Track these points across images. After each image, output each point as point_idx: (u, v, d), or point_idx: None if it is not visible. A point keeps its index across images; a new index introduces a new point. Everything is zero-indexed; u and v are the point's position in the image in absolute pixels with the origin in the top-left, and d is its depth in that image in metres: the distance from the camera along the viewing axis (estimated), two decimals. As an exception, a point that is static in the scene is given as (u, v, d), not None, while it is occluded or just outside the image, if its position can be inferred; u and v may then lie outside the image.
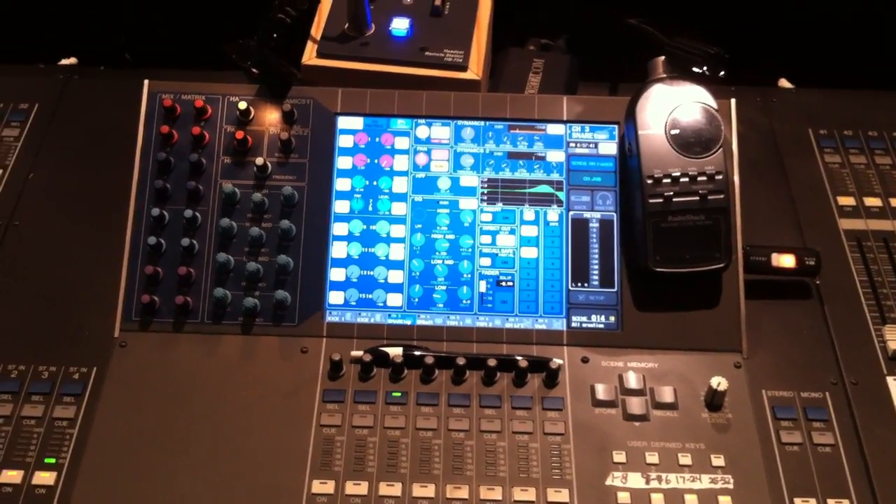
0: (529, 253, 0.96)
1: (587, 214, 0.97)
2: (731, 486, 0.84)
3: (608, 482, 0.84)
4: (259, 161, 0.97)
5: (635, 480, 0.84)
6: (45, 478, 0.84)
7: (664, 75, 0.95)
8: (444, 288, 0.95)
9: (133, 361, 0.92)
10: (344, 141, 1.00)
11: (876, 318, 0.95)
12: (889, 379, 0.91)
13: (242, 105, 0.98)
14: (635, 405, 0.89)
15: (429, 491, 0.83)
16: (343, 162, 0.99)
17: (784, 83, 1.18)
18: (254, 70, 1.00)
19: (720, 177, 0.91)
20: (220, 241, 0.96)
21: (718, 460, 0.85)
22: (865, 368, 0.92)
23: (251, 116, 0.99)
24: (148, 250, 0.95)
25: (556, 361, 0.90)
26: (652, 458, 0.86)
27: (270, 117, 0.99)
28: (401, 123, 1.00)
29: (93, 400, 0.89)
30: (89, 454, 0.85)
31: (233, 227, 0.96)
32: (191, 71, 1.11)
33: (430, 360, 0.90)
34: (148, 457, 0.86)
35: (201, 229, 0.96)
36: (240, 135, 0.97)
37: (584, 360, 0.92)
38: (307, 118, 1.00)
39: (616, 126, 0.99)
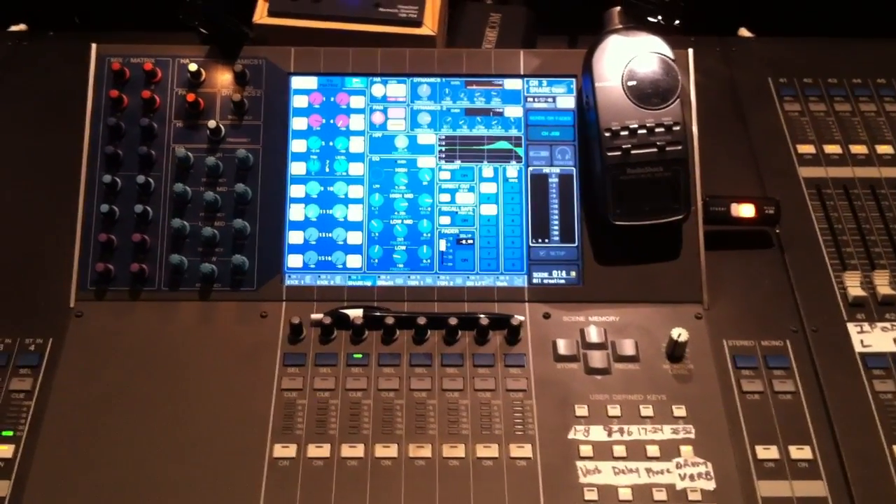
0: (489, 210, 0.95)
1: (546, 170, 0.96)
2: (692, 436, 0.84)
3: (570, 436, 0.84)
4: (212, 124, 0.95)
5: (597, 433, 0.84)
6: (3, 450, 0.83)
7: (620, 26, 0.94)
8: (403, 248, 0.95)
9: (90, 331, 0.90)
10: (298, 101, 0.98)
11: (836, 265, 0.95)
12: (849, 325, 0.91)
13: (193, 67, 0.96)
14: (597, 359, 0.89)
15: (391, 451, 0.83)
16: (298, 123, 0.97)
17: (744, 32, 1.17)
18: (203, 30, 0.97)
19: (678, 128, 0.90)
20: (175, 207, 0.94)
21: (680, 411, 0.86)
22: (826, 315, 0.92)
23: (202, 78, 0.97)
24: (101, 218, 0.93)
25: (518, 318, 0.90)
26: (614, 410, 0.86)
27: (222, 79, 0.97)
28: (356, 82, 0.98)
29: (49, 371, 0.88)
30: (47, 425, 0.84)
31: (187, 192, 0.94)
32: (142, 33, 1.08)
33: (390, 320, 0.89)
34: (107, 426, 0.85)
35: (155, 195, 0.95)
36: (191, 97, 0.95)
37: (546, 316, 0.92)
38: (260, 79, 0.98)
39: (574, 79, 0.98)
